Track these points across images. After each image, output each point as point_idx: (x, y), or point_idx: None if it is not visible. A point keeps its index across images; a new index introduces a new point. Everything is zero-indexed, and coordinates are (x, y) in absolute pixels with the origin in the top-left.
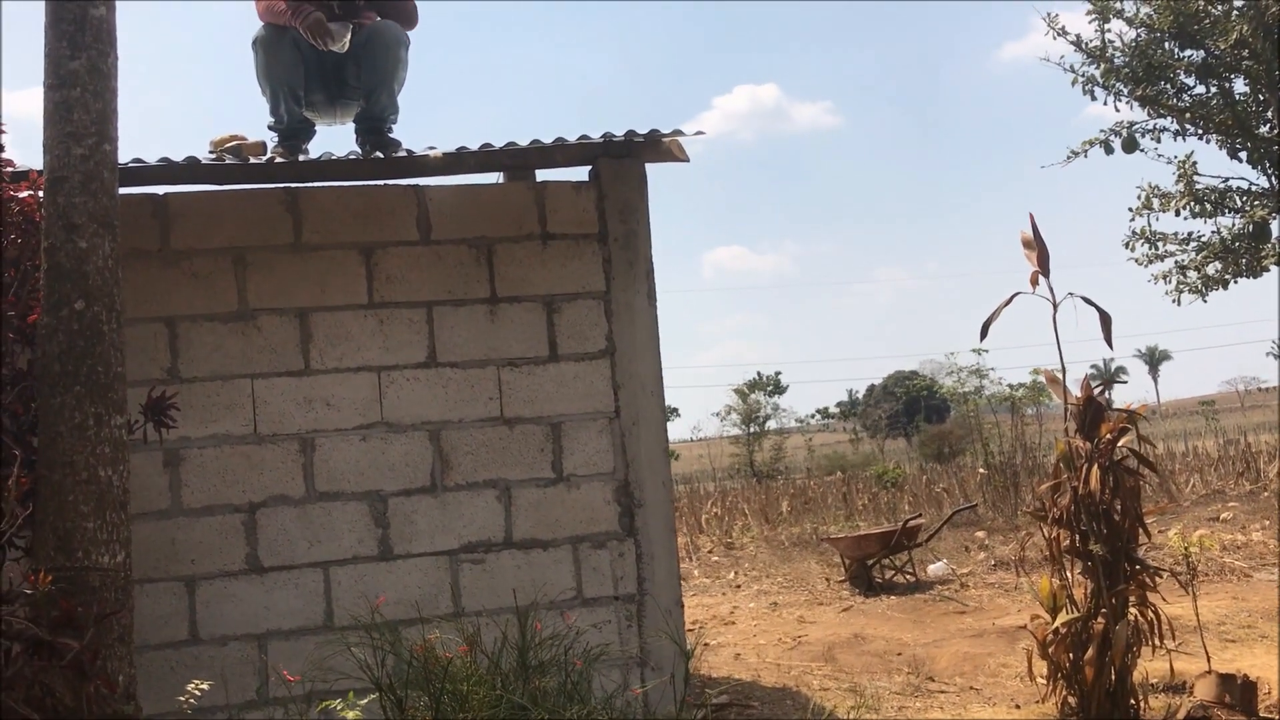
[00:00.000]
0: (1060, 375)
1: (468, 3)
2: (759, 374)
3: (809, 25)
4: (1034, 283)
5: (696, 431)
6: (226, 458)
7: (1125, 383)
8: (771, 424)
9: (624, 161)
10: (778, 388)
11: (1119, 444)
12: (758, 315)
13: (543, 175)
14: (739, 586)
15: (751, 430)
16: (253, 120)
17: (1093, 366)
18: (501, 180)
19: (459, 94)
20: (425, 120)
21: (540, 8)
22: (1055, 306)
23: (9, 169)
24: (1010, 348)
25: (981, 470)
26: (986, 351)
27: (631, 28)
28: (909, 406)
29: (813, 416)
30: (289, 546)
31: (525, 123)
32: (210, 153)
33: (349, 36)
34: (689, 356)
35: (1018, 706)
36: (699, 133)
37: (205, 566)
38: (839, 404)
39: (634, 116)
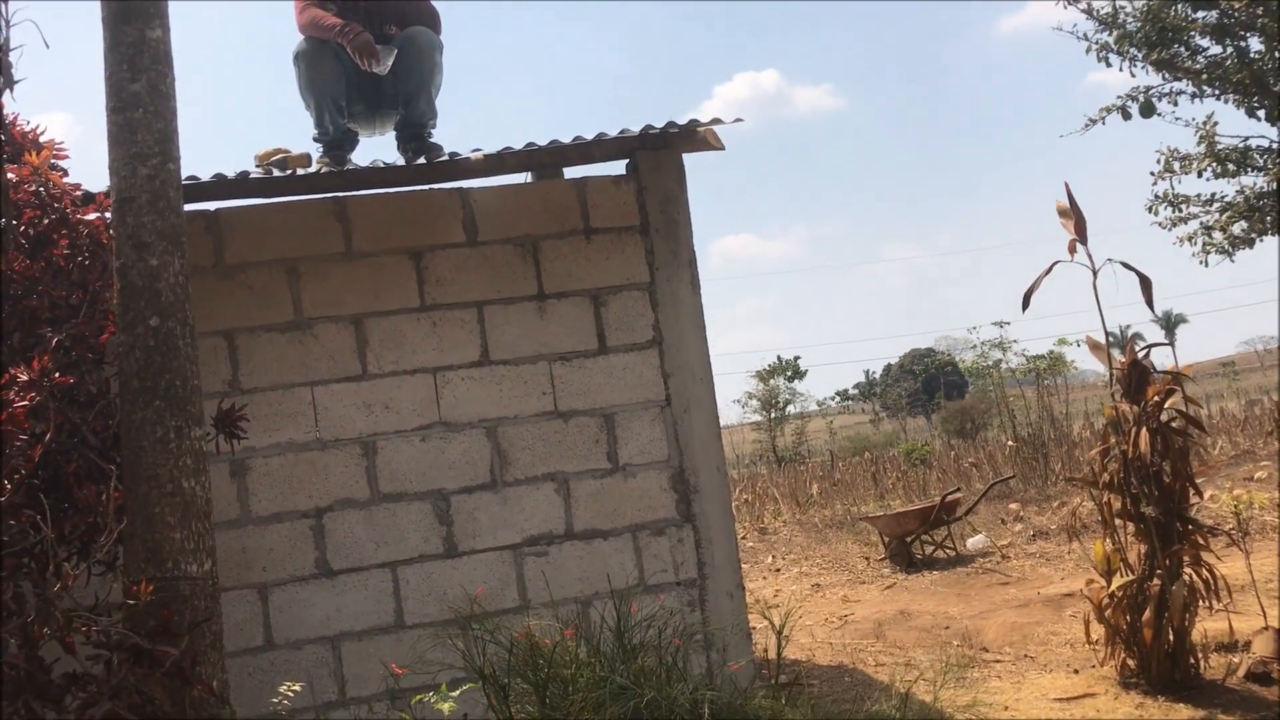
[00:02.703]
0: (1103, 341)
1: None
2: (779, 358)
3: (806, 9)
4: (1072, 250)
5: None
6: (291, 465)
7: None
8: (791, 408)
9: (662, 153)
10: (797, 373)
11: (1165, 405)
12: (769, 301)
13: (572, 172)
14: (778, 570)
15: (772, 416)
16: (264, 138)
17: (1109, 335)
18: (530, 179)
19: (453, 88)
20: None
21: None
22: (1095, 273)
23: (77, 193)
24: (1029, 319)
25: (1010, 443)
26: (1009, 324)
27: (630, 19)
28: (928, 384)
29: (832, 399)
30: (357, 549)
31: (526, 117)
32: (256, 166)
33: (392, 59)
34: None
35: (1075, 671)
36: (738, 119)
37: (276, 573)
38: (856, 385)
39: (636, 108)
